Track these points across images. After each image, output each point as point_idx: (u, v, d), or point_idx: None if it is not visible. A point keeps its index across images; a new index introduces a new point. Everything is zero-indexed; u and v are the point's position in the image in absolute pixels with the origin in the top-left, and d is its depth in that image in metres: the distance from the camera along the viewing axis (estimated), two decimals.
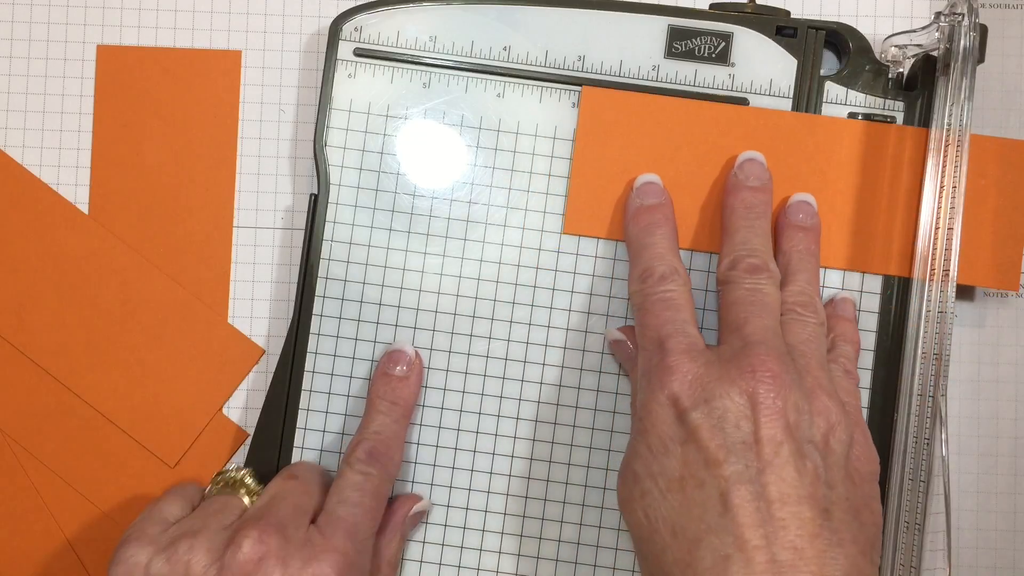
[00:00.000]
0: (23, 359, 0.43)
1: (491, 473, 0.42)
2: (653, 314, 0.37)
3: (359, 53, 0.42)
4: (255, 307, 0.44)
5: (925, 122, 0.41)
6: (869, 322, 0.41)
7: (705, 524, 0.33)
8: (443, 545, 0.41)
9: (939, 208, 0.39)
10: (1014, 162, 0.41)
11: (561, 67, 0.42)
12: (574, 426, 0.41)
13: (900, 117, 0.41)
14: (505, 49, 0.42)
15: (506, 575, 0.41)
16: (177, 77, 0.44)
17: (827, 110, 0.42)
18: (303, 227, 0.43)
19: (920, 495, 0.38)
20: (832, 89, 0.42)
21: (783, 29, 0.42)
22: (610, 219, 0.41)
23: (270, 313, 0.44)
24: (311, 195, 0.42)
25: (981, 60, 0.39)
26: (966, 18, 0.38)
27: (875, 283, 0.41)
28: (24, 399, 0.43)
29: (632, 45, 0.42)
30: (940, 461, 0.38)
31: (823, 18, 0.43)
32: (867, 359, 0.41)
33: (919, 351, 0.39)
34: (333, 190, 0.42)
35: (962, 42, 0.38)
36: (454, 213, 0.42)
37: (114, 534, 0.43)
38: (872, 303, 0.41)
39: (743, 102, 0.41)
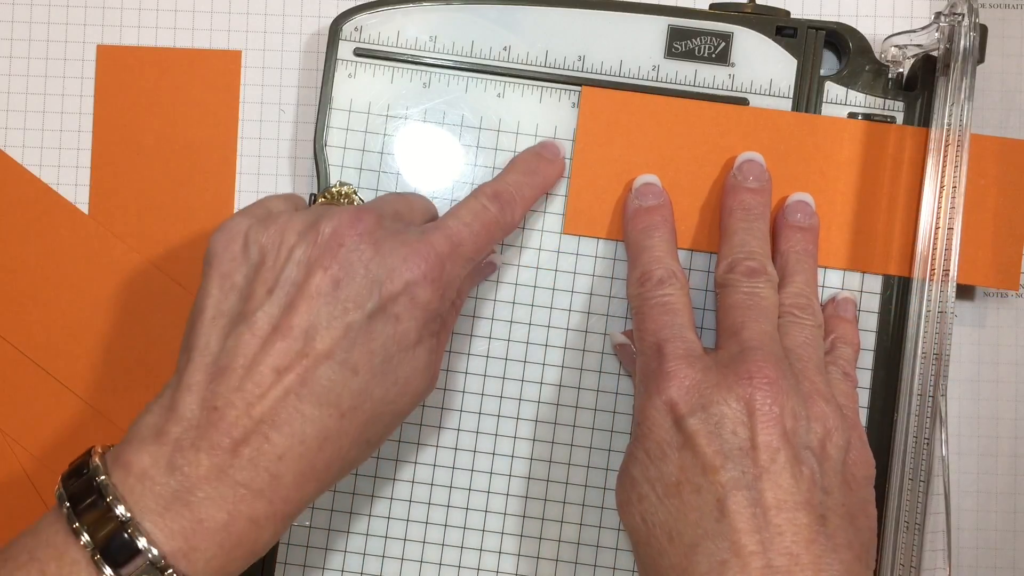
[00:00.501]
0: (23, 359, 0.43)
1: (491, 473, 0.42)
2: (651, 318, 0.37)
3: (359, 53, 0.42)
4: None
5: (925, 122, 0.41)
6: (869, 322, 0.41)
7: (702, 529, 0.33)
8: (443, 545, 0.41)
9: (939, 208, 0.39)
10: (1014, 162, 0.41)
11: (561, 67, 0.42)
12: (574, 426, 0.41)
13: (900, 117, 0.41)
14: (505, 49, 0.42)
15: (506, 575, 0.41)
16: (177, 77, 0.44)
17: (827, 110, 0.42)
18: None
19: (920, 495, 0.38)
20: (832, 89, 0.42)
21: (783, 29, 0.42)
22: (610, 219, 0.41)
23: None
24: (311, 195, 0.42)
25: (981, 60, 0.39)
26: (966, 18, 0.38)
27: (875, 283, 0.41)
28: (24, 399, 0.43)
29: (632, 45, 0.42)
30: (940, 461, 0.38)
31: (823, 18, 0.43)
32: (867, 359, 0.41)
33: (919, 351, 0.39)
34: (332, 183, 0.42)
35: (962, 42, 0.38)
36: None
37: None
38: (872, 303, 0.41)
39: (743, 102, 0.41)
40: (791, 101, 0.41)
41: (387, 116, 0.42)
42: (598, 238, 0.42)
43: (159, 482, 0.31)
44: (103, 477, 0.31)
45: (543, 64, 0.42)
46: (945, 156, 0.39)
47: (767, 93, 0.42)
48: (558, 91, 0.42)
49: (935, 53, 0.40)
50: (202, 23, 0.44)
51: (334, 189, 0.41)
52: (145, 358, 0.43)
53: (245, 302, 0.33)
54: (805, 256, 0.39)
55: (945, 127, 0.39)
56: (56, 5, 0.45)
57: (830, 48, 0.42)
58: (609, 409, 0.41)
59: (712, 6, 0.42)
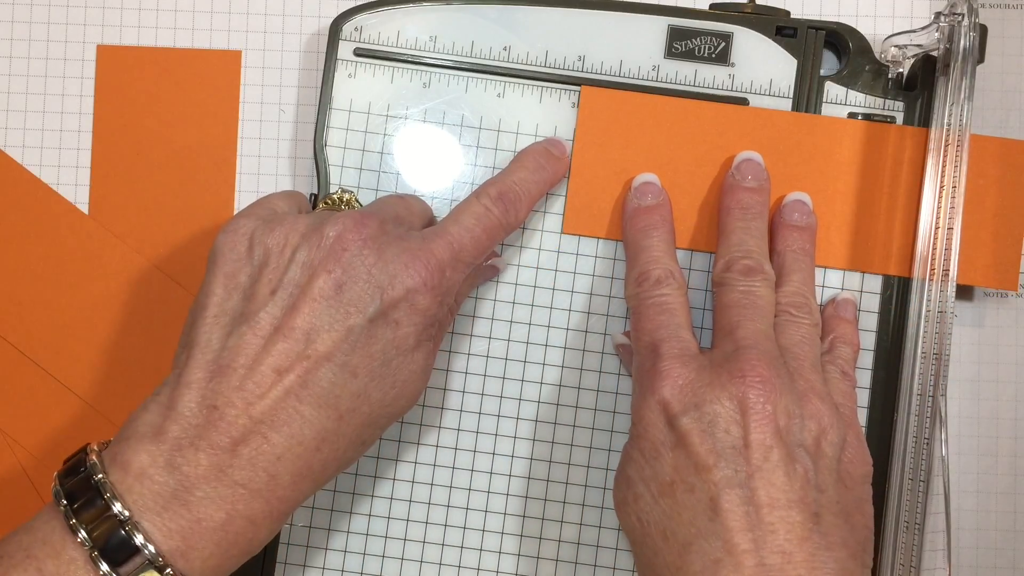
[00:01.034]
0: (23, 359, 0.43)
1: (491, 473, 0.42)
2: (648, 318, 0.37)
3: (359, 53, 0.42)
4: None
5: (925, 122, 0.41)
6: (869, 322, 0.41)
7: (695, 528, 0.33)
8: (443, 545, 0.41)
9: (939, 208, 0.39)
10: (1014, 162, 0.41)
11: (561, 67, 0.42)
12: (574, 426, 0.41)
13: (900, 117, 0.41)
14: (505, 49, 0.42)
15: (506, 575, 0.41)
16: (177, 77, 0.44)
17: (827, 110, 0.42)
18: None
19: (920, 495, 0.38)
20: (832, 89, 0.42)
21: (783, 29, 0.42)
22: (609, 219, 0.41)
23: None
24: (311, 195, 0.42)
25: (981, 60, 0.39)
26: (966, 18, 0.38)
27: (875, 283, 0.41)
28: (24, 399, 0.43)
29: (632, 45, 0.42)
30: (940, 461, 0.38)
31: (823, 18, 0.43)
32: (867, 359, 0.41)
33: (919, 351, 0.39)
34: (333, 189, 0.42)
35: (962, 42, 0.38)
36: None
37: None
38: (872, 303, 0.41)
39: (743, 102, 0.41)
40: (791, 101, 0.41)
41: (387, 116, 0.42)
42: (598, 238, 0.42)
43: (158, 481, 0.31)
44: (101, 475, 0.31)
45: (543, 64, 0.42)
46: (945, 156, 0.39)
47: (767, 93, 0.42)
48: (558, 91, 0.42)
49: (935, 53, 0.40)
50: (202, 23, 0.44)
51: (335, 195, 0.41)
52: (145, 358, 0.43)
53: (248, 302, 0.34)
54: (802, 255, 0.39)
55: (945, 127, 0.39)
56: (56, 5, 0.45)
57: (830, 48, 0.42)
58: (609, 409, 0.41)
59: (712, 6, 0.42)
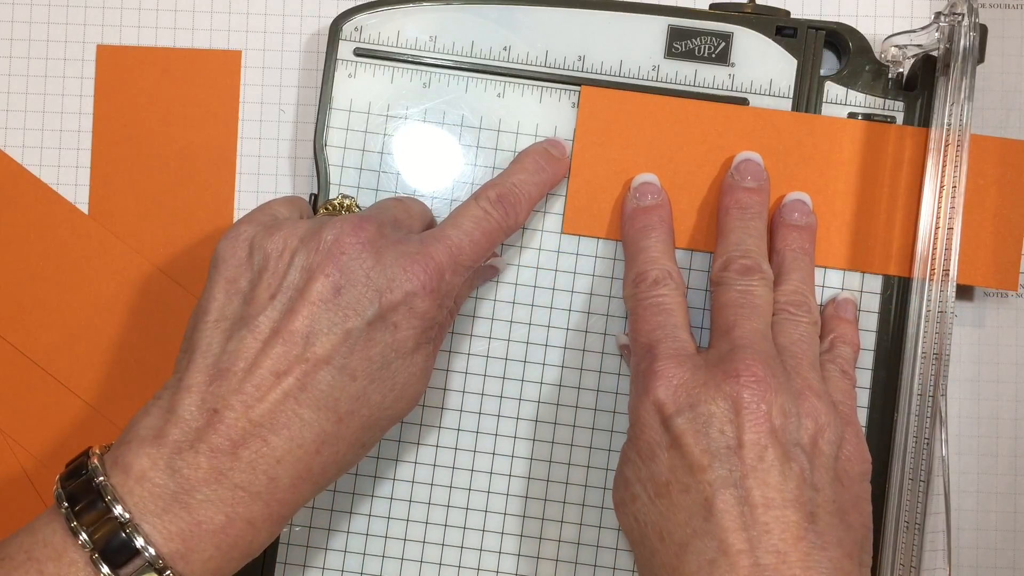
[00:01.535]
0: (23, 359, 0.43)
1: (491, 473, 0.42)
2: (644, 319, 0.37)
3: (359, 53, 0.42)
4: None
5: (925, 122, 0.41)
6: (869, 322, 0.41)
7: (691, 529, 0.33)
8: (443, 545, 0.41)
9: (939, 208, 0.39)
10: (1014, 162, 0.41)
11: (561, 67, 0.42)
12: (574, 426, 0.41)
13: (900, 117, 0.41)
14: (505, 49, 0.42)
15: (506, 575, 0.41)
16: (177, 77, 0.44)
17: (827, 110, 0.42)
18: None
19: (920, 495, 0.38)
20: (832, 89, 0.42)
21: (783, 29, 0.42)
22: (609, 219, 0.41)
23: None
24: (311, 195, 0.42)
25: (981, 60, 0.39)
26: (966, 18, 0.38)
27: (875, 283, 0.41)
28: (24, 399, 0.43)
29: (632, 45, 0.42)
30: (940, 461, 0.38)
31: (823, 18, 0.43)
32: (867, 359, 0.41)
33: (919, 351, 0.39)
34: (333, 190, 0.42)
35: (962, 42, 0.38)
36: None
37: None
38: (872, 303, 0.41)
39: (743, 102, 0.41)
40: (791, 101, 0.41)
41: (387, 116, 0.42)
42: (598, 238, 0.42)
43: (158, 484, 0.31)
44: (102, 478, 0.31)
45: (543, 64, 0.42)
46: (945, 156, 0.39)
47: (767, 93, 0.42)
48: (558, 91, 0.42)
49: (935, 53, 0.40)
50: (202, 23, 0.44)
51: (335, 201, 0.41)
52: (145, 358, 0.43)
53: (248, 306, 0.34)
54: (801, 254, 0.39)
55: (945, 127, 0.39)
56: (56, 5, 0.45)
57: (830, 48, 0.42)
58: (609, 409, 0.41)
59: (712, 6, 0.42)
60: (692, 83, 0.42)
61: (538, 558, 0.41)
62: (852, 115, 0.41)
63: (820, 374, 0.37)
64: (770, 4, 0.42)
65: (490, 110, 0.42)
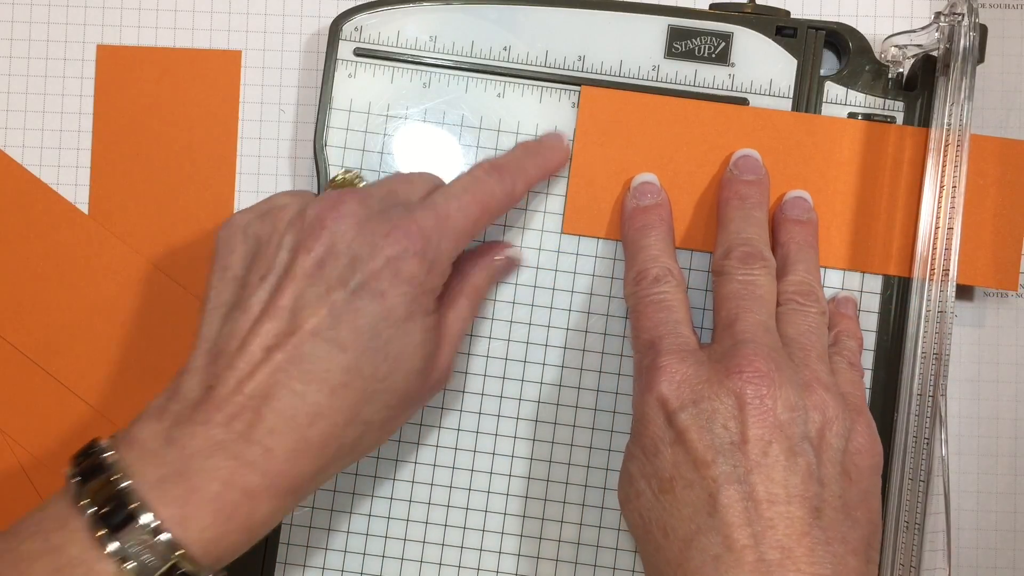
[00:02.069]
0: (23, 359, 0.43)
1: (491, 473, 0.42)
2: (646, 316, 0.37)
3: (359, 53, 0.42)
4: None
5: (925, 122, 0.41)
6: (869, 322, 0.41)
7: (695, 524, 0.33)
8: (443, 545, 0.41)
9: (939, 208, 0.39)
10: (1014, 162, 0.41)
11: (561, 67, 0.42)
12: (574, 426, 0.41)
13: (900, 117, 0.41)
14: (505, 49, 0.42)
15: (506, 575, 0.41)
16: (177, 77, 0.44)
17: (827, 110, 0.42)
18: None
19: (920, 495, 0.38)
20: (832, 89, 0.42)
21: (783, 29, 0.42)
22: (609, 219, 0.41)
23: None
24: (320, 189, 0.42)
25: (981, 60, 0.39)
26: (966, 18, 0.38)
27: (875, 283, 0.41)
28: (24, 399, 0.43)
29: (632, 45, 0.42)
30: (940, 461, 0.38)
31: (823, 18, 0.43)
32: (867, 359, 0.41)
33: (919, 351, 0.39)
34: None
35: (962, 42, 0.38)
36: None
37: None
38: (872, 303, 0.41)
39: (743, 102, 0.41)
40: (791, 101, 0.41)
41: (387, 116, 0.42)
42: (598, 238, 0.42)
43: (157, 453, 0.32)
44: (109, 453, 0.32)
45: (543, 64, 0.42)
46: (945, 156, 0.39)
47: (767, 93, 0.42)
48: (558, 91, 0.42)
49: (935, 53, 0.40)
50: (202, 23, 0.44)
51: (338, 178, 0.41)
52: (145, 358, 0.43)
53: (242, 290, 0.35)
54: (806, 247, 0.39)
55: (945, 127, 0.39)
56: (56, 5, 0.44)
57: (830, 48, 0.42)
58: (609, 409, 0.41)
59: (712, 6, 0.42)
60: (692, 83, 0.42)
61: (538, 558, 0.41)
62: (852, 115, 0.41)
63: (828, 366, 0.36)
64: (770, 4, 0.42)
65: (490, 110, 0.42)
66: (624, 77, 0.42)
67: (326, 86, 0.42)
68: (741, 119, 0.41)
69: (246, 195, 0.44)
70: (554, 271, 0.42)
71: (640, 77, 0.42)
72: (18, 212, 0.44)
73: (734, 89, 0.42)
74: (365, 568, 0.41)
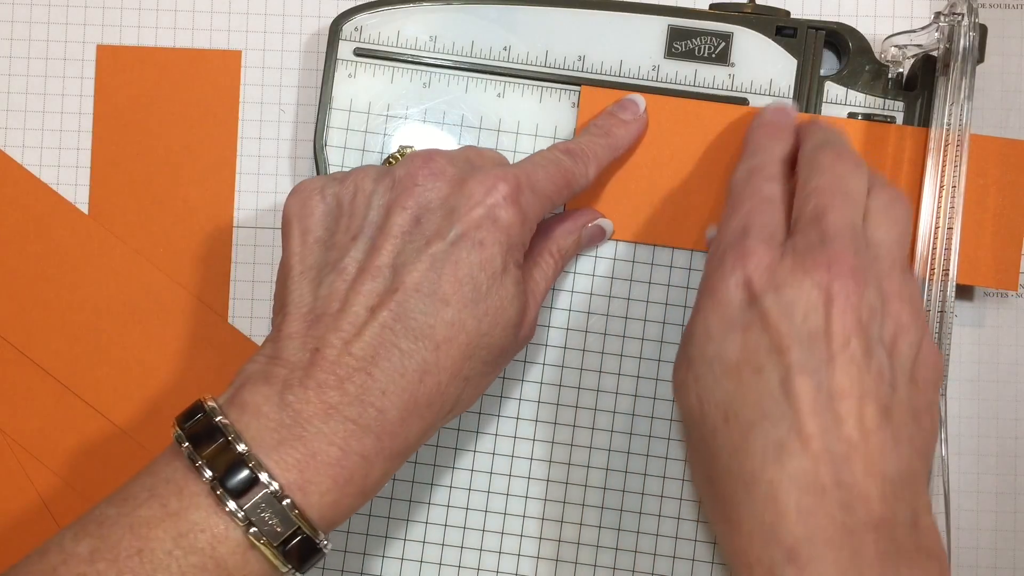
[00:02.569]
0: (23, 359, 0.43)
1: (491, 473, 0.42)
2: (749, 205, 0.36)
3: (359, 53, 0.42)
4: (255, 307, 0.44)
5: (925, 122, 0.41)
6: None
7: (761, 410, 0.33)
8: (443, 545, 0.41)
9: (939, 208, 0.39)
10: (1014, 162, 0.41)
11: (561, 67, 0.42)
12: (574, 426, 0.41)
13: (900, 117, 0.41)
14: (505, 49, 0.42)
15: (506, 575, 0.41)
16: (177, 77, 0.44)
17: (827, 110, 0.42)
18: None
19: None
20: (832, 89, 0.42)
21: (783, 29, 0.42)
22: (608, 218, 0.41)
23: (270, 313, 0.43)
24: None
25: (981, 60, 0.39)
26: (966, 18, 0.38)
27: None
28: (24, 399, 0.43)
29: (632, 45, 0.42)
30: (940, 461, 0.38)
31: (823, 18, 0.43)
32: None
33: None
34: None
35: (962, 42, 0.38)
36: None
37: None
38: None
39: (743, 102, 0.41)
40: (791, 101, 0.41)
41: (387, 116, 0.42)
42: None
43: (273, 418, 0.31)
44: (220, 417, 0.32)
45: (543, 64, 0.42)
46: (945, 156, 0.39)
47: (767, 93, 0.42)
48: (558, 91, 0.42)
49: (935, 53, 0.40)
50: (202, 23, 0.44)
51: (398, 153, 0.40)
52: (145, 358, 0.43)
53: (330, 252, 0.34)
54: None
55: (945, 127, 0.39)
56: (56, 5, 0.45)
57: (830, 48, 0.42)
58: (609, 409, 0.41)
59: (712, 6, 0.42)
60: (692, 83, 0.42)
61: (538, 558, 0.41)
62: (852, 115, 0.41)
63: (905, 278, 0.35)
64: (770, 4, 0.42)
65: (490, 110, 0.42)
66: (624, 77, 0.42)
67: (326, 86, 0.42)
68: (741, 119, 0.41)
69: (246, 195, 0.44)
70: None
71: (640, 77, 0.42)
72: (18, 212, 0.44)
73: (734, 89, 0.42)
74: (365, 568, 0.41)
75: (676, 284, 0.42)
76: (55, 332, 0.43)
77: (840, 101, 0.42)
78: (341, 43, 0.42)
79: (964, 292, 0.43)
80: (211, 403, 0.32)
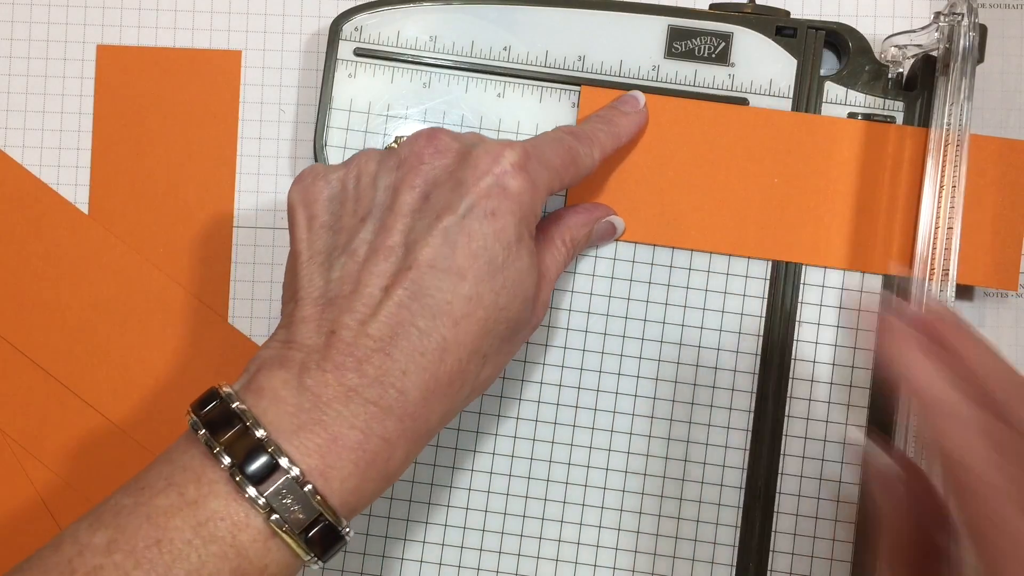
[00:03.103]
0: (23, 359, 0.43)
1: (491, 473, 0.42)
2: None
3: (359, 53, 0.42)
4: (255, 307, 0.44)
5: (925, 122, 0.41)
6: (869, 322, 0.41)
7: None
8: (443, 545, 0.41)
9: (939, 208, 0.39)
10: (1014, 162, 0.41)
11: (561, 67, 0.42)
12: (574, 426, 0.41)
13: (900, 117, 0.41)
14: (505, 49, 0.42)
15: (506, 575, 0.41)
16: (177, 77, 0.44)
17: (827, 110, 0.42)
18: None
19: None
20: (832, 89, 0.42)
21: (783, 29, 0.42)
22: None
23: (270, 313, 0.43)
24: None
25: (981, 60, 0.39)
26: (965, 18, 0.38)
27: (875, 283, 0.41)
28: (24, 399, 0.43)
29: (632, 45, 0.42)
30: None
31: (823, 18, 0.43)
32: (868, 359, 0.41)
33: None
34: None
35: (961, 42, 0.38)
36: None
37: None
38: (872, 303, 0.41)
39: (743, 102, 0.41)
40: (791, 101, 0.41)
41: (387, 116, 0.42)
42: None
43: (291, 403, 0.31)
44: (237, 403, 0.31)
45: (543, 64, 0.42)
46: (944, 156, 0.39)
47: (767, 93, 0.42)
48: (558, 91, 0.42)
49: (935, 53, 0.40)
50: (202, 23, 0.44)
51: (393, 143, 0.40)
52: (145, 357, 0.43)
53: (338, 235, 0.34)
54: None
55: (945, 127, 0.39)
56: (56, 5, 0.45)
57: (830, 48, 0.42)
58: (609, 409, 0.41)
59: (712, 6, 0.42)
60: (692, 83, 0.42)
61: (538, 558, 0.41)
62: (852, 115, 0.41)
63: None
64: (770, 4, 0.42)
65: (490, 110, 0.42)
66: (624, 77, 0.42)
67: (326, 86, 0.42)
68: (741, 119, 0.41)
69: (246, 195, 0.44)
70: None
71: (640, 77, 0.42)
72: (18, 212, 0.44)
73: (734, 89, 0.42)
74: (365, 568, 0.41)
75: (676, 284, 0.41)
76: (55, 332, 0.43)
77: (840, 101, 0.42)
78: (341, 43, 0.42)
79: (964, 292, 0.43)
80: (227, 389, 0.32)
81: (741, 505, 0.41)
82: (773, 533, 0.41)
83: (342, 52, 0.42)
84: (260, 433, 0.30)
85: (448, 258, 0.32)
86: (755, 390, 0.41)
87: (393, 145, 0.40)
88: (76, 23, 0.44)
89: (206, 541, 0.29)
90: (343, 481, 0.30)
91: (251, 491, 0.30)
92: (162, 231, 0.44)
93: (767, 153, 0.41)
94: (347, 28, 0.42)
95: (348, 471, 0.31)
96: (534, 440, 0.41)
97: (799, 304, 0.41)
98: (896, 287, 0.41)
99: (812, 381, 0.41)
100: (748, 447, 0.41)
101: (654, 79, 0.42)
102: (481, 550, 0.41)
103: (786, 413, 0.41)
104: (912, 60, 0.41)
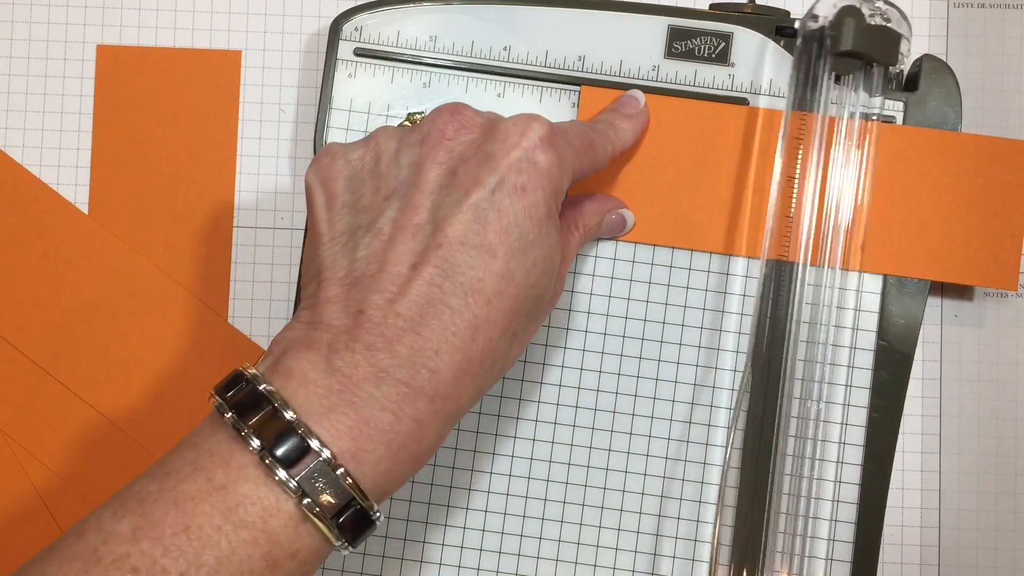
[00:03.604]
0: (23, 359, 0.43)
1: (491, 473, 0.42)
2: None
3: (359, 53, 0.42)
4: (255, 307, 0.44)
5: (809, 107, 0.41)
6: (869, 322, 0.41)
7: None
8: (443, 545, 0.41)
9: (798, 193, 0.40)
10: (1014, 162, 0.41)
11: (561, 67, 0.42)
12: (574, 426, 0.41)
13: (900, 117, 0.41)
14: (505, 49, 0.42)
15: (506, 575, 0.41)
16: (177, 77, 0.44)
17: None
18: (303, 227, 0.43)
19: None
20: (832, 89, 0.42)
21: (783, 29, 0.42)
22: None
23: (270, 313, 0.44)
24: None
25: (851, 45, 0.39)
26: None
27: (875, 283, 0.41)
28: (24, 399, 0.43)
29: (632, 45, 0.42)
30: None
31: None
32: (867, 359, 0.41)
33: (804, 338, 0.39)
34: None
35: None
36: None
37: None
38: (872, 303, 0.41)
39: (743, 102, 0.41)
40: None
41: (387, 116, 0.42)
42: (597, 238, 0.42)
43: (321, 384, 0.30)
44: (265, 385, 0.30)
45: (543, 64, 0.42)
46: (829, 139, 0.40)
47: (767, 93, 0.42)
48: (558, 91, 0.42)
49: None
50: (202, 23, 0.44)
51: (407, 121, 0.40)
52: (145, 358, 0.43)
53: (361, 215, 0.33)
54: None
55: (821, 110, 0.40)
56: (56, 5, 0.45)
57: None
58: (609, 409, 0.41)
59: (712, 6, 0.42)
60: (692, 83, 0.42)
61: (538, 558, 0.41)
62: (852, 115, 0.41)
63: None
64: (770, 4, 0.42)
65: (490, 110, 0.42)
66: (624, 77, 0.42)
67: (326, 86, 0.42)
68: (741, 119, 0.41)
69: (246, 195, 0.44)
70: None
71: (640, 77, 0.42)
72: (18, 212, 0.44)
73: (734, 89, 0.42)
74: (365, 568, 0.41)
75: (676, 284, 0.41)
76: (55, 332, 0.43)
77: (840, 101, 0.41)
78: (341, 43, 0.42)
79: (964, 292, 0.43)
80: (252, 371, 0.31)
81: (741, 505, 0.41)
82: (773, 533, 0.41)
83: (342, 52, 0.42)
84: (290, 415, 0.29)
85: (479, 234, 0.32)
86: (755, 390, 0.41)
87: (406, 123, 0.39)
88: (76, 23, 0.44)
89: (236, 527, 0.29)
90: (375, 464, 0.30)
91: (281, 474, 0.29)
92: (162, 231, 0.44)
93: (767, 153, 0.41)
94: (347, 28, 0.42)
95: (380, 454, 0.30)
96: (534, 440, 0.41)
97: (798, 304, 0.41)
98: (885, 288, 0.41)
99: (812, 381, 0.41)
100: (748, 447, 0.41)
101: (654, 79, 0.42)
102: (481, 550, 0.41)
103: (785, 413, 0.41)
104: (912, 60, 0.41)
